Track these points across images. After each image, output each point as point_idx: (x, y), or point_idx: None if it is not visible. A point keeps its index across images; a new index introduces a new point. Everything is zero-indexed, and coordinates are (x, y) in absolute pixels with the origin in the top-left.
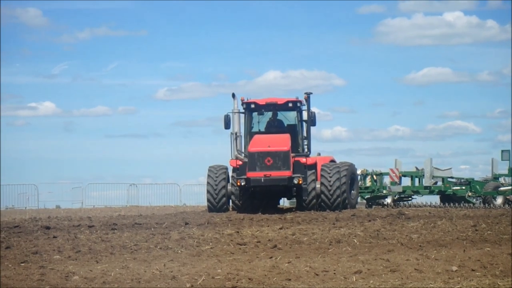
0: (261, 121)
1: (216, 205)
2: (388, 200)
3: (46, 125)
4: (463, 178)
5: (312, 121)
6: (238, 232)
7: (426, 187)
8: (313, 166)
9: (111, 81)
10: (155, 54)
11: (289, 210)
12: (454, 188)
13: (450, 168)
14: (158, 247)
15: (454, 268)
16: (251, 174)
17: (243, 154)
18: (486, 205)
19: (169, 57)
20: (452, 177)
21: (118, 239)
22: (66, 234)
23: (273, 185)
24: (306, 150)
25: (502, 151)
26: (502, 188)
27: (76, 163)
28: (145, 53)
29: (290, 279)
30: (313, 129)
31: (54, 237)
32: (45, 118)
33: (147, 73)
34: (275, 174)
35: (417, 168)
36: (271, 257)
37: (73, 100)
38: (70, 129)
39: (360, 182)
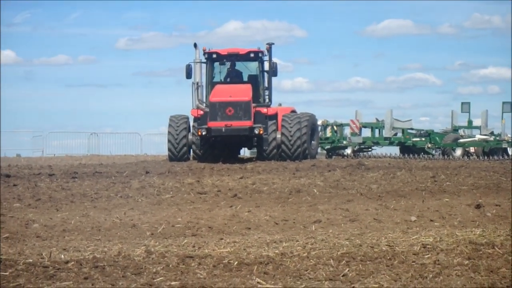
0: (222, 71)
1: (177, 155)
2: (348, 150)
3: (6, 73)
4: (423, 130)
5: (273, 71)
6: (198, 181)
7: (386, 138)
8: (274, 116)
9: (72, 30)
10: (117, 3)
11: (249, 160)
12: (414, 139)
13: (410, 120)
14: (119, 195)
15: (413, 218)
16: (212, 124)
17: (204, 104)
18: (445, 156)
19: (131, 7)
20: (412, 129)
21: (78, 188)
22: (26, 182)
23: (234, 135)
24: (267, 100)
25: (462, 103)
26: (461, 140)
27: (37, 112)
28: (107, 3)
29: (249, 228)
30: (274, 80)
31: (14, 185)
32: (5, 67)
33: (108, 22)
34: (236, 124)
35: (377, 120)
36: (231, 206)
37: (34, 49)
38: (30, 78)
39: (320, 133)
